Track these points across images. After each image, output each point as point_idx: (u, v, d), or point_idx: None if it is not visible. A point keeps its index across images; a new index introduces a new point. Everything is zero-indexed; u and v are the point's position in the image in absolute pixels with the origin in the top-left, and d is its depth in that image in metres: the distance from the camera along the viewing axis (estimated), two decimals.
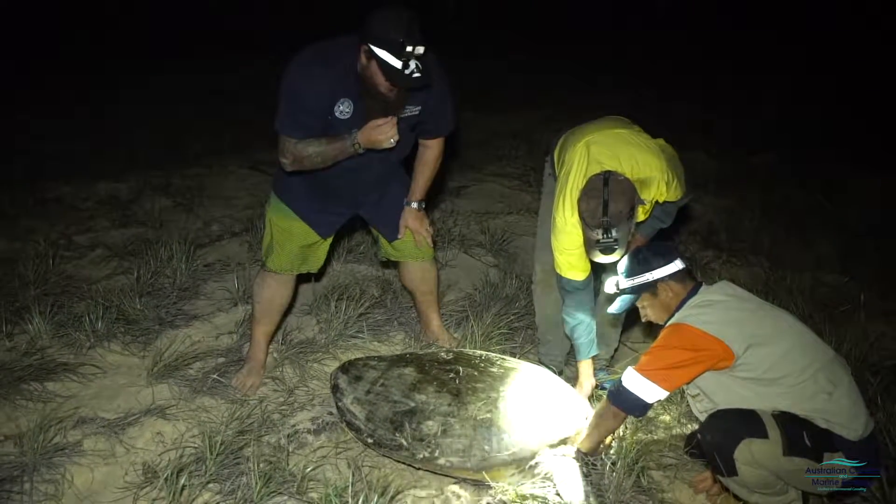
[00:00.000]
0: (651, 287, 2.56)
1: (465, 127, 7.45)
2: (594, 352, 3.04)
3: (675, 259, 2.56)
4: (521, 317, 3.68)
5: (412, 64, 2.50)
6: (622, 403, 2.46)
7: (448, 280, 4.14)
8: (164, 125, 7.30)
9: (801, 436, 2.29)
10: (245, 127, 7.21)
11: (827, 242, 4.96)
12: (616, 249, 2.58)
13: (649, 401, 2.43)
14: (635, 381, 2.42)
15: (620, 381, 2.46)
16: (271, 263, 3.06)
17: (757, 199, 5.71)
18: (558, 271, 2.91)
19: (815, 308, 3.85)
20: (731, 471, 2.31)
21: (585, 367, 3.04)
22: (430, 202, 5.14)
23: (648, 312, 2.64)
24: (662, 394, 2.42)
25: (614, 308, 2.68)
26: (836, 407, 2.32)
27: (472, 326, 3.49)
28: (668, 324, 2.52)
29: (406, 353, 3.15)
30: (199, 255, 4.31)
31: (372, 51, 2.52)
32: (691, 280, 2.58)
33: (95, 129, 7.15)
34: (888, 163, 6.47)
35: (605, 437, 2.64)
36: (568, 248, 2.82)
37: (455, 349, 3.21)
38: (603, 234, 2.54)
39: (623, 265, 2.62)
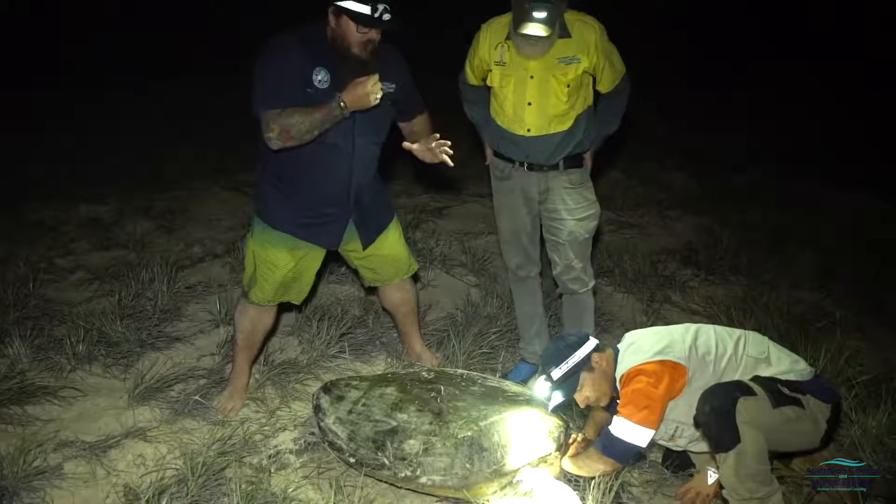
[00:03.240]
0: (586, 363, 2.63)
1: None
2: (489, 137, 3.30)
3: (588, 335, 2.75)
4: (503, 335, 3.70)
5: (380, 7, 2.58)
6: (619, 454, 2.56)
7: (429, 300, 4.16)
8: (146, 147, 7.31)
9: (777, 388, 2.45)
10: (227, 149, 7.23)
11: (803, 261, 5.02)
12: (546, 8, 2.73)
13: (643, 445, 2.53)
14: (627, 430, 2.51)
15: (611, 434, 2.54)
16: (254, 296, 3.02)
17: (735, 218, 5.79)
18: (464, 72, 3.27)
19: (792, 325, 3.89)
20: (735, 437, 2.35)
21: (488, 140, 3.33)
22: (412, 222, 5.19)
23: (589, 393, 2.66)
24: (651, 434, 2.52)
25: (556, 402, 2.69)
26: (777, 363, 2.55)
27: (453, 346, 3.51)
28: (623, 375, 2.62)
29: (388, 372, 3.16)
30: (181, 276, 4.31)
31: (339, 7, 2.61)
32: (607, 348, 2.73)
33: (77, 152, 7.13)
34: (864, 182, 6.58)
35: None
36: (472, 54, 3.14)
37: (437, 368, 3.23)
38: None
39: (547, 361, 2.68)
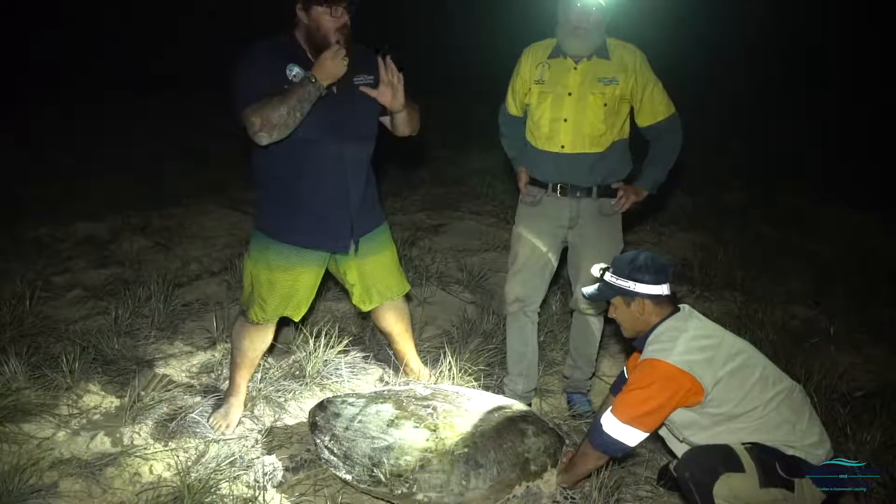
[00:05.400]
0: (627, 295, 2.54)
1: (443, 165, 7.56)
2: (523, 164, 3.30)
3: (663, 283, 2.53)
4: (498, 352, 3.71)
5: None
6: (606, 448, 2.48)
7: (426, 317, 4.17)
8: (143, 164, 7.34)
9: (773, 466, 2.32)
10: (223, 166, 7.27)
11: (798, 276, 5.05)
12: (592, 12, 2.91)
13: (631, 444, 2.45)
14: (616, 427, 2.43)
15: (601, 426, 2.47)
16: (254, 315, 3.01)
17: (730, 235, 5.82)
18: (504, 104, 3.34)
19: (787, 340, 3.92)
20: None
21: (521, 171, 3.31)
22: (409, 240, 5.21)
23: (617, 314, 2.63)
24: (643, 436, 2.44)
25: (588, 290, 2.70)
26: (800, 436, 2.38)
27: (449, 362, 3.52)
28: (641, 359, 2.52)
29: (384, 389, 3.17)
30: (178, 294, 4.31)
31: (307, 1, 2.70)
32: (669, 306, 2.55)
33: (74, 169, 7.16)
34: (856, 198, 6.63)
35: (587, 475, 2.66)
36: (514, 78, 3.22)
37: (432, 385, 3.24)
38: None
39: (616, 261, 2.61)
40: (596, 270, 2.69)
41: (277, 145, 2.73)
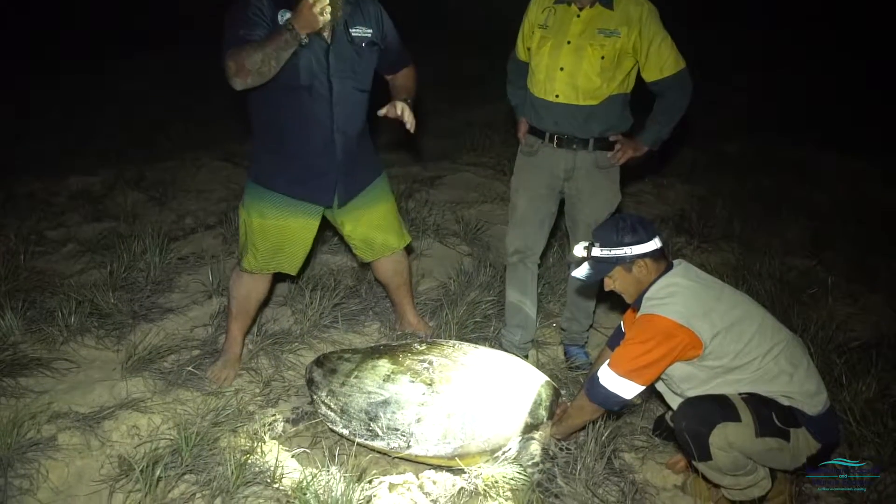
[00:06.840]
0: (626, 262, 2.49)
1: (441, 117, 7.47)
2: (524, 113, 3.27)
3: (655, 237, 2.49)
4: (495, 304, 3.71)
5: None
6: (602, 401, 2.47)
7: (423, 269, 4.16)
8: (134, 122, 7.27)
9: (770, 416, 2.33)
10: (216, 121, 7.19)
11: (796, 228, 5.03)
12: None
13: (627, 397, 2.43)
14: (613, 380, 2.42)
15: (598, 379, 2.45)
16: (247, 263, 3.01)
17: (728, 187, 5.78)
18: (515, 48, 3.30)
19: (784, 292, 3.91)
20: (706, 455, 2.33)
21: (522, 120, 3.29)
22: (405, 192, 5.18)
23: (617, 285, 2.56)
24: (639, 389, 2.42)
25: (579, 274, 2.59)
26: (797, 386, 2.37)
27: (446, 315, 3.51)
28: (639, 314, 2.48)
29: (380, 344, 3.17)
30: (173, 248, 4.29)
31: None
32: (664, 261, 2.53)
33: (65, 124, 7.09)
34: (856, 149, 6.57)
35: (581, 427, 2.66)
36: (524, 21, 3.17)
37: (429, 339, 3.23)
38: None
39: (598, 234, 2.55)
40: (580, 251, 2.59)
41: (271, 92, 2.70)
